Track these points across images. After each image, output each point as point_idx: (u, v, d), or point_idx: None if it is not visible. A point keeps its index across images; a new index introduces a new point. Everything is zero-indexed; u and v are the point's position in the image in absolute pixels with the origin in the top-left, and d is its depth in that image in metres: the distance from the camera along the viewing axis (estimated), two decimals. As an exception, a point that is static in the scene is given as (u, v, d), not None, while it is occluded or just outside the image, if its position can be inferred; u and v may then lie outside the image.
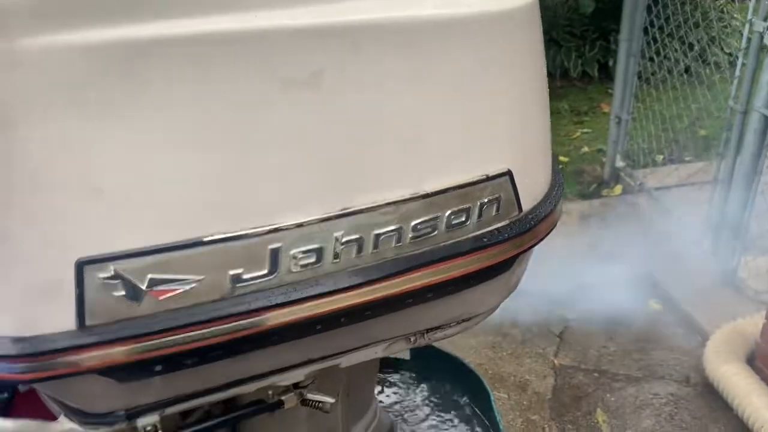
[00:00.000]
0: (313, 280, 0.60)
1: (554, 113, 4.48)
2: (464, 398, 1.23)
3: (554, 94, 4.75)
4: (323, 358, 0.70)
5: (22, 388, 0.74)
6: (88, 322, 0.54)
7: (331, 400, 0.74)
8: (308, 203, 0.59)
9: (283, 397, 0.71)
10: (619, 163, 3.40)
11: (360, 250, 0.62)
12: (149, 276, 0.55)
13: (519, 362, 2.32)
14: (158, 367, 0.58)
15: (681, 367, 2.25)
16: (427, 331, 0.76)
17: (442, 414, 1.22)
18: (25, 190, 0.51)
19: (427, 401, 1.25)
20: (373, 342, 0.73)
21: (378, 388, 1.27)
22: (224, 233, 0.56)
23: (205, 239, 0.56)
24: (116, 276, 0.54)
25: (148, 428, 0.64)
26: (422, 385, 1.29)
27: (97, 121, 0.51)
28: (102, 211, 0.53)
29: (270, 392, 0.70)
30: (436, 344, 1.29)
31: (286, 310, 0.60)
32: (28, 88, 0.50)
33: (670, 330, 2.42)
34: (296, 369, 0.70)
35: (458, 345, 2.35)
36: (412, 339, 0.75)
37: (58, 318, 0.54)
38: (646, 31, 3.08)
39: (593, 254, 2.79)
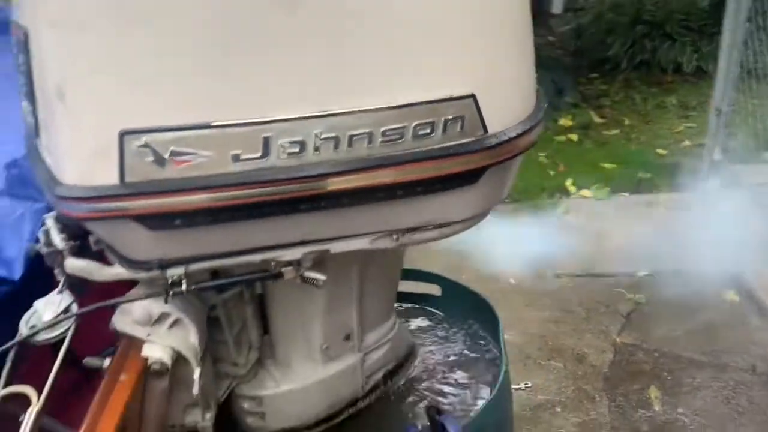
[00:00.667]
0: (298, 167, 0.77)
1: (660, 107, 4.38)
2: (478, 326, 1.36)
3: (663, 89, 4.63)
4: (314, 241, 0.87)
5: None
6: (127, 179, 0.74)
7: (322, 277, 0.90)
8: (294, 103, 0.76)
9: (282, 269, 0.88)
10: (718, 156, 3.30)
11: (336, 146, 0.78)
12: (171, 148, 0.74)
13: (580, 337, 2.37)
14: (177, 221, 0.78)
15: (748, 356, 2.21)
16: (407, 230, 0.90)
17: (457, 342, 1.35)
18: (85, 75, 0.72)
19: (448, 332, 1.39)
20: (357, 233, 0.88)
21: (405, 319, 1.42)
22: (227, 120, 0.74)
23: (212, 123, 0.74)
24: (146, 145, 0.73)
25: (175, 278, 0.84)
26: (448, 319, 1.43)
27: (134, 26, 0.71)
28: (138, 95, 0.72)
29: (273, 264, 0.88)
30: (464, 282, 1.43)
31: (274, 188, 0.77)
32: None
33: (743, 320, 2.37)
34: (292, 248, 0.87)
35: (522, 316, 2.44)
36: (395, 236, 0.90)
37: (106, 174, 0.74)
38: (750, 20, 2.98)
39: (678, 243, 2.75)
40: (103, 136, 0.73)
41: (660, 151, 3.76)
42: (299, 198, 0.79)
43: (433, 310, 1.44)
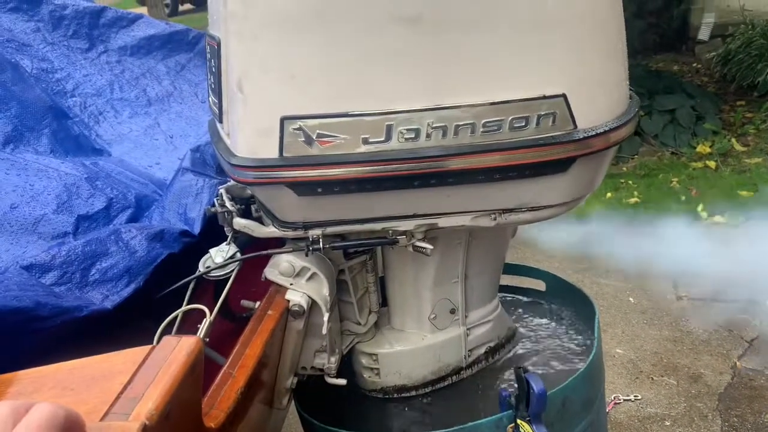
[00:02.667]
0: (413, 150, 0.97)
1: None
2: (577, 319, 1.47)
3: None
4: (424, 215, 1.06)
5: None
6: (284, 154, 0.97)
7: (430, 246, 1.08)
8: (412, 98, 0.95)
9: (398, 237, 1.08)
10: None
11: (444, 134, 0.96)
12: (317, 131, 0.96)
13: (697, 357, 2.36)
14: (319, 189, 1.00)
15: None
16: (503, 211, 1.07)
17: (557, 331, 1.47)
18: (258, 74, 0.96)
19: (549, 322, 1.52)
20: (460, 211, 1.06)
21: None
22: (360, 110, 0.95)
23: (349, 113, 0.95)
24: (300, 129, 0.96)
25: (314, 237, 1.06)
26: (549, 311, 1.55)
27: (292, 36, 0.94)
28: (296, 90, 0.96)
29: (390, 232, 1.08)
30: (568, 280, 1.55)
31: (393, 166, 0.97)
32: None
33: None
34: (406, 219, 1.06)
35: (638, 333, 2.47)
36: (493, 216, 1.07)
37: (269, 149, 0.98)
38: None
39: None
40: (268, 120, 0.97)
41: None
42: (413, 175, 0.98)
43: (538, 301, 1.58)
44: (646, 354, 2.37)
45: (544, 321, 1.52)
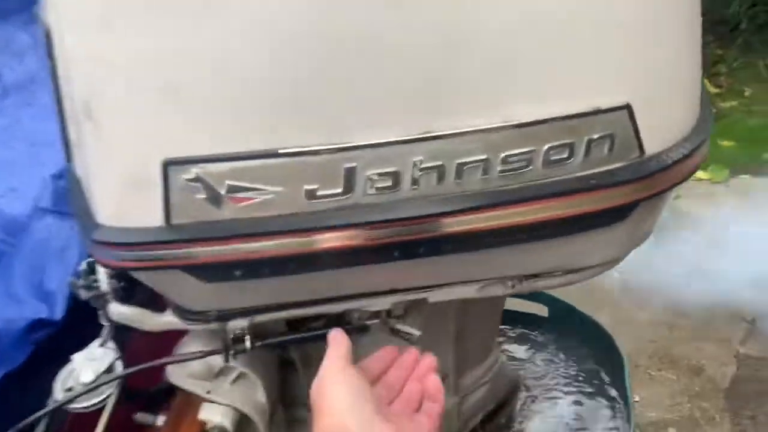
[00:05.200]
0: (389, 205, 0.59)
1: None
2: (597, 365, 1.14)
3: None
4: (408, 290, 0.69)
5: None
6: (173, 221, 0.58)
7: (416, 332, 0.72)
8: (386, 123, 0.57)
9: (368, 322, 0.71)
10: None
11: (441, 178, 0.58)
12: (227, 182, 0.57)
13: (697, 345, 2.10)
14: (238, 272, 0.61)
15: None
16: (526, 277, 0.70)
17: (571, 380, 1.15)
18: (120, 89, 0.55)
19: (558, 363, 1.19)
20: (462, 280, 0.70)
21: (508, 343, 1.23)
22: (300, 146, 0.56)
23: (281, 151, 0.56)
24: (198, 179, 0.57)
25: (237, 332, 0.68)
26: (557, 346, 1.22)
27: (179, 24, 0.53)
28: (184, 115, 0.55)
29: (356, 315, 0.71)
30: (579, 307, 1.22)
31: (359, 232, 0.59)
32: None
33: None
34: (381, 296, 0.69)
35: (630, 319, 2.20)
36: (510, 284, 0.71)
37: (148, 214, 0.58)
38: None
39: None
40: (142, 166, 0.57)
41: None
42: (391, 245, 0.60)
43: (539, 335, 1.24)
44: (642, 343, 2.11)
45: (547, 364, 1.19)
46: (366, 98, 0.56)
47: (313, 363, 0.88)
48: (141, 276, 0.65)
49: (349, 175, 0.57)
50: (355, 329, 0.71)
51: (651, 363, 2.05)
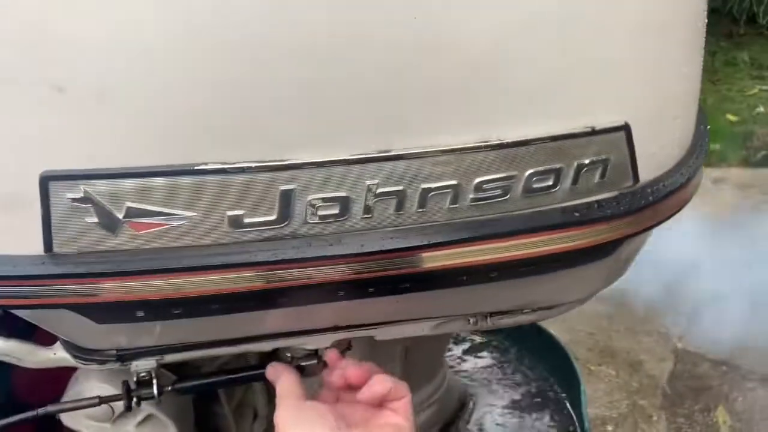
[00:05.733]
0: (335, 237, 0.47)
1: (730, 64, 3.93)
2: (553, 383, 1.07)
3: (734, 43, 4.16)
4: (352, 327, 0.58)
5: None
6: (56, 249, 0.45)
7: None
8: (334, 138, 0.45)
9: (303, 363, 0.59)
10: (800, 131, 2.91)
11: (400, 206, 0.47)
12: (127, 204, 0.44)
13: (636, 339, 2.09)
14: (140, 313, 0.49)
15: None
16: (491, 314, 0.61)
17: (524, 395, 1.07)
18: (-22, 80, 0.41)
19: (510, 378, 1.11)
20: (417, 318, 0.59)
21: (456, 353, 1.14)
22: (223, 163, 0.44)
23: (198, 167, 0.44)
24: (87, 199, 0.44)
25: (142, 374, 0.56)
26: (510, 358, 1.14)
27: (60, -1, 0.40)
28: (69, 116, 0.42)
29: (288, 355, 0.59)
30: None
31: (296, 271, 0.47)
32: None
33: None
34: (320, 334, 0.58)
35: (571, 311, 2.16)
36: (472, 321, 0.61)
37: (24, 239, 0.45)
38: None
39: (743, 232, 2.42)
40: (14, 181, 0.44)
41: (730, 117, 3.35)
42: (336, 283, 0.49)
43: (491, 346, 1.16)
44: (581, 337, 2.08)
45: (501, 377, 1.11)
46: (309, 106, 0.44)
47: (235, 392, 0.77)
48: (18, 313, 0.51)
49: (286, 200, 0.45)
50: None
51: (591, 356, 2.03)
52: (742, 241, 2.37)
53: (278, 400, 0.53)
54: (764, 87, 3.64)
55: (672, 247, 2.42)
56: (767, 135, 3.16)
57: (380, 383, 0.54)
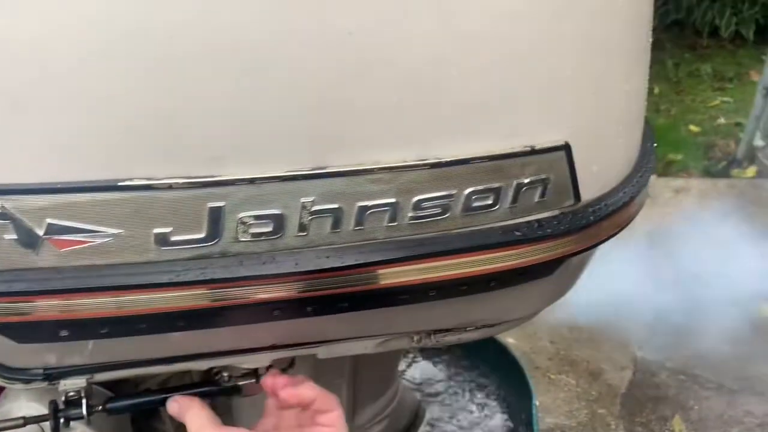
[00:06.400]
0: (268, 255, 0.46)
1: (693, 76, 4.00)
2: (506, 393, 1.07)
3: (697, 55, 4.25)
4: (292, 346, 0.56)
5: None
6: (-29, 266, 0.43)
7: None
8: (267, 152, 0.43)
9: (241, 383, 0.58)
10: (758, 142, 2.97)
11: (337, 224, 0.46)
12: (48, 221, 0.42)
13: (596, 348, 2.10)
14: (64, 332, 0.47)
15: (788, 388, 1.95)
16: (435, 332, 0.60)
17: (477, 405, 1.07)
18: None
19: (463, 388, 1.11)
20: (359, 336, 0.58)
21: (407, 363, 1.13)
22: (148, 178, 0.42)
23: (123, 183, 0.42)
24: (5, 215, 0.42)
25: (71, 394, 0.54)
26: (462, 367, 1.14)
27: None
28: (-15, 129, 0.40)
29: (225, 375, 0.58)
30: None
31: (227, 290, 0.46)
32: None
33: (782, 342, 2.10)
34: (258, 353, 0.56)
35: (533, 320, 2.17)
36: (415, 338, 0.60)
37: (-64, 255, 0.43)
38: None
39: (705, 241, 2.46)
40: None
41: (692, 127, 3.41)
42: (270, 302, 0.48)
43: (444, 358, 1.15)
44: (542, 345, 2.09)
45: (452, 387, 1.11)
46: (241, 120, 0.42)
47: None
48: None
49: (215, 217, 0.44)
50: (222, 392, 0.58)
51: (551, 365, 2.04)
52: (703, 251, 2.41)
53: None
54: (726, 98, 3.72)
55: (633, 256, 2.45)
56: (728, 146, 3.22)
57: (309, 389, 0.53)
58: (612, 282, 2.34)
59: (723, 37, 4.36)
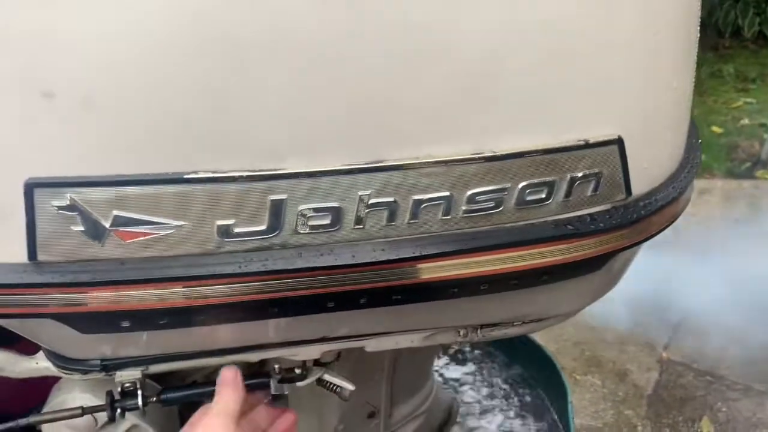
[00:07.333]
0: (326, 247, 0.47)
1: (716, 76, 3.97)
2: (541, 392, 1.07)
3: (719, 55, 4.21)
4: (343, 338, 0.57)
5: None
6: (40, 257, 0.44)
7: (350, 387, 0.61)
8: (326, 148, 0.44)
9: (290, 375, 0.59)
10: (784, 143, 2.94)
11: (392, 217, 0.47)
12: (114, 212, 0.43)
13: (622, 348, 2.09)
14: (125, 323, 0.48)
15: (817, 390, 1.93)
16: (482, 326, 0.60)
17: (512, 405, 1.07)
18: (-38, 84, 0.40)
19: (499, 387, 1.11)
20: (408, 329, 0.59)
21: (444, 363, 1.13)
22: (213, 171, 0.43)
23: (188, 176, 0.43)
24: (73, 207, 0.43)
25: (127, 385, 0.55)
26: (498, 366, 1.14)
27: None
28: (58, 123, 0.41)
29: (276, 366, 0.58)
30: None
31: (286, 281, 0.47)
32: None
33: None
34: (309, 345, 0.57)
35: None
36: (461, 332, 0.60)
37: (8, 247, 0.44)
38: None
39: (730, 242, 2.44)
40: (-3, 188, 0.43)
41: (715, 128, 3.38)
42: (327, 295, 0.48)
43: (476, 355, 1.15)
44: (567, 346, 2.08)
45: (486, 386, 1.11)
46: (301, 115, 0.43)
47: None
48: (1, 322, 0.50)
49: (276, 210, 0.45)
50: (276, 382, 0.58)
51: (577, 366, 2.03)
52: (726, 252, 2.39)
53: (211, 412, 0.52)
54: (749, 99, 3.68)
55: (658, 257, 2.43)
56: (752, 147, 3.19)
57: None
58: (637, 283, 2.32)
59: (746, 38, 4.32)
